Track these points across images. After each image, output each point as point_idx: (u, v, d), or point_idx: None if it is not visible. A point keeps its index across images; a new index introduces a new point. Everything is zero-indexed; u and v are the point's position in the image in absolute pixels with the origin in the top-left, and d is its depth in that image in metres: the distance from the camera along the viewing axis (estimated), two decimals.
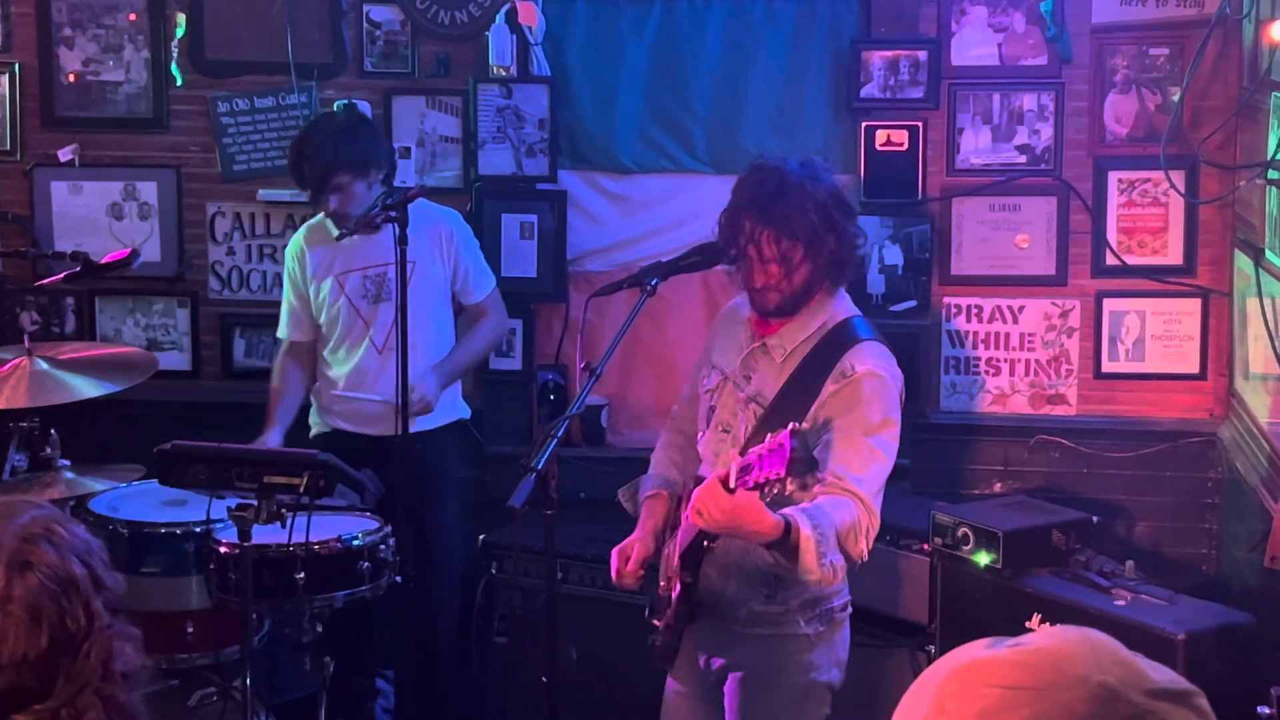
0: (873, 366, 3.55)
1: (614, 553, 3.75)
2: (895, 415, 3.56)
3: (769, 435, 3.11)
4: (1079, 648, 1.22)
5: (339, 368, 5.08)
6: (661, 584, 3.76)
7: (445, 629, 5.07)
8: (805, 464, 3.03)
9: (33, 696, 1.75)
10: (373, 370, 5.01)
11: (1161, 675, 1.21)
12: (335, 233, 4.81)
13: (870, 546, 3.45)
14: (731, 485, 3.14)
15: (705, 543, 3.55)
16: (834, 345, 3.59)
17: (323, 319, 5.10)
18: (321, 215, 5.05)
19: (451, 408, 5.19)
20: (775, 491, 3.08)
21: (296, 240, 5.20)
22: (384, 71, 5.79)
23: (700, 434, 3.78)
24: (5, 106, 5.90)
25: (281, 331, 5.22)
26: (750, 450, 3.15)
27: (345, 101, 5.69)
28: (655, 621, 3.77)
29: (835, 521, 3.32)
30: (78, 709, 1.78)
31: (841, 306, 3.69)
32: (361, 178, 4.91)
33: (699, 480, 3.50)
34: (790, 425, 3.07)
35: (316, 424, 5.17)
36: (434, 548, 5.00)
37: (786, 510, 3.25)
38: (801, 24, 5.60)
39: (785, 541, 3.24)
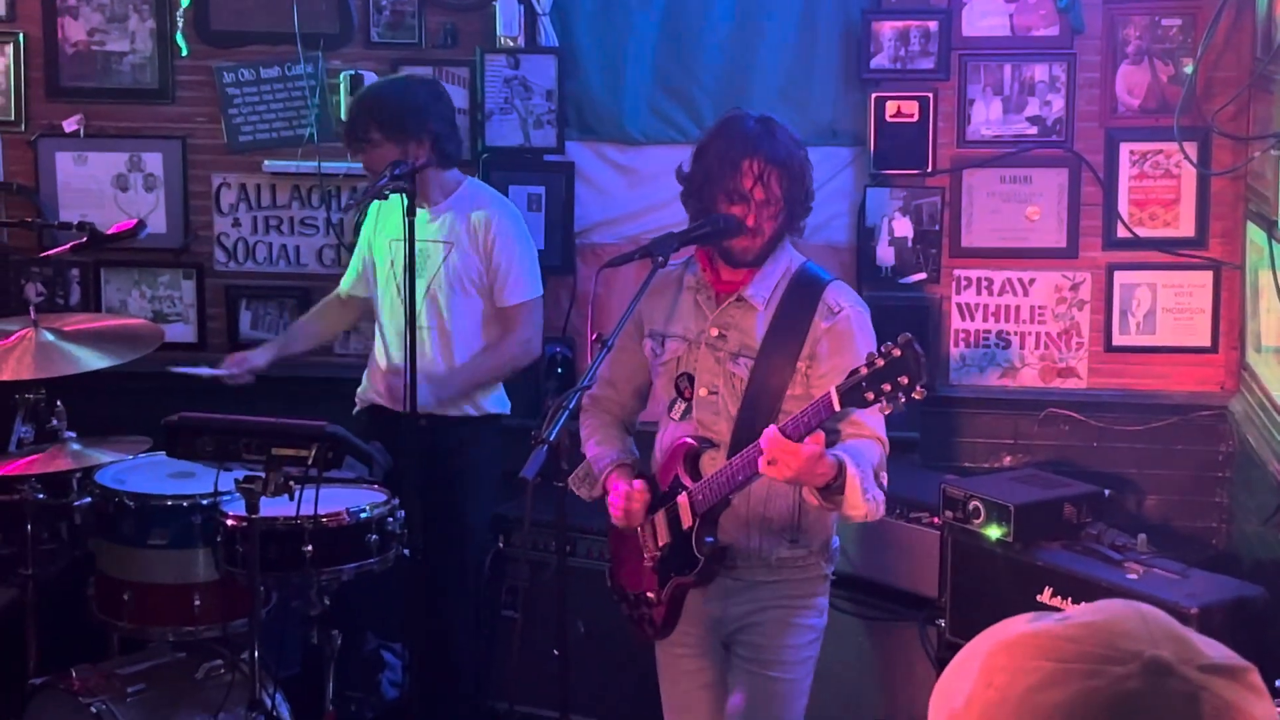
0: (853, 302, 3.71)
1: (615, 487, 3.74)
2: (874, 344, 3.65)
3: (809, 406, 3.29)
4: (1130, 622, 1.20)
5: (379, 340, 5.05)
6: (646, 556, 3.74)
7: (460, 612, 5.01)
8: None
9: None
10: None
11: (1215, 650, 1.19)
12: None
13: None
14: (792, 429, 3.28)
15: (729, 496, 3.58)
16: (806, 287, 3.70)
17: (371, 286, 5.08)
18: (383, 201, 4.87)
19: (490, 401, 5.05)
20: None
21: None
22: (391, 42, 5.76)
23: (670, 406, 3.78)
24: (9, 77, 5.88)
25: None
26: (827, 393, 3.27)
27: (352, 72, 5.65)
28: (649, 594, 3.76)
29: (871, 460, 3.47)
30: None
31: (794, 254, 3.80)
32: (396, 143, 4.79)
33: (697, 444, 3.61)
34: (829, 390, 3.24)
35: (360, 395, 5.12)
36: (460, 540, 4.96)
37: (832, 451, 3.36)
38: None
39: (834, 482, 3.36)
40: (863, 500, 3.38)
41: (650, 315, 3.85)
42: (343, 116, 5.63)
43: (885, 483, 3.53)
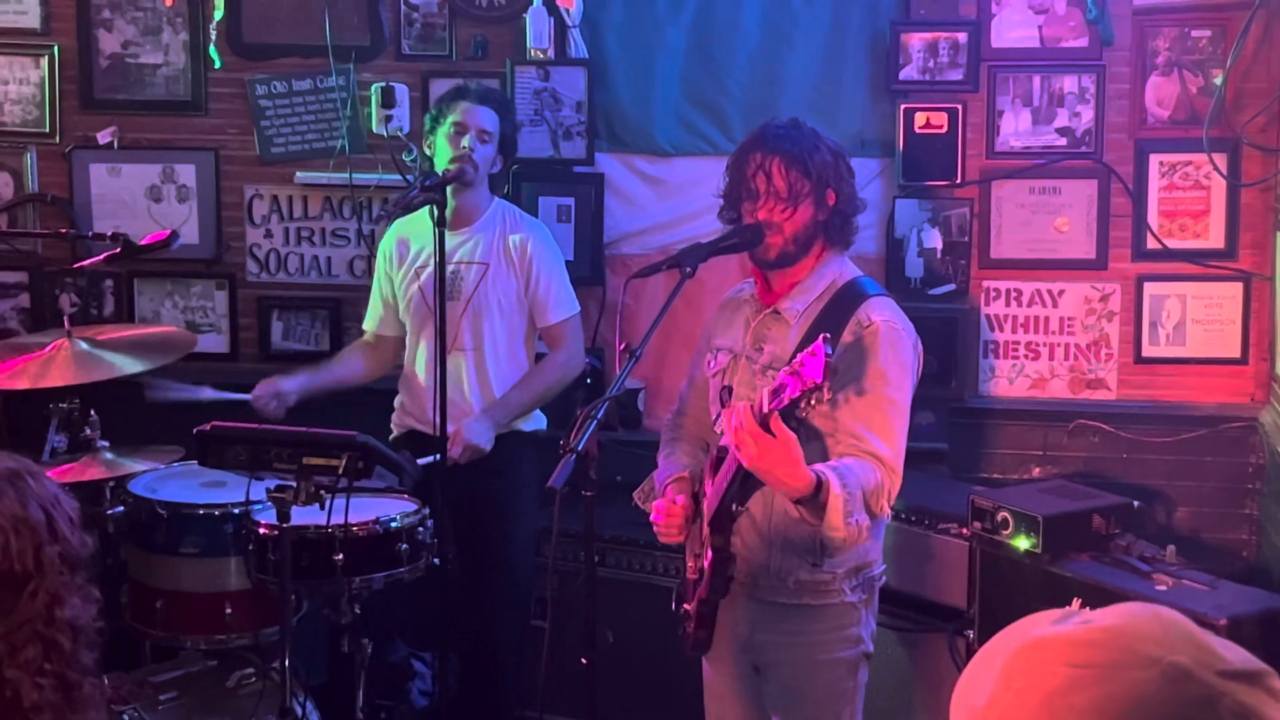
0: (889, 318, 3.56)
1: (655, 505, 3.68)
2: (912, 367, 3.57)
3: (798, 354, 3.12)
4: (1150, 625, 1.21)
5: (411, 365, 5.04)
6: (689, 564, 3.73)
7: (505, 627, 5.00)
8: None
9: None
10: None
11: (1234, 655, 1.20)
12: (429, 222, 4.58)
13: (892, 503, 3.47)
14: (766, 409, 3.13)
15: (734, 506, 3.50)
16: (846, 301, 3.60)
17: (401, 312, 5.07)
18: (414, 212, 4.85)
19: (528, 421, 5.06)
20: (813, 403, 3.08)
21: (391, 231, 5.13)
22: (422, 54, 5.79)
23: (715, 419, 3.74)
24: (44, 89, 5.93)
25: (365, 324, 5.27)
26: (780, 373, 3.14)
27: (383, 84, 5.68)
28: (686, 606, 3.72)
29: (862, 482, 3.33)
30: (14, 644, 1.83)
31: (847, 269, 3.70)
32: (492, 143, 4.88)
33: (718, 451, 3.52)
34: (821, 335, 3.09)
35: (396, 422, 5.11)
36: (504, 556, 4.95)
37: (818, 466, 3.27)
38: (840, 5, 5.58)
39: (814, 498, 3.25)
40: (843, 522, 3.26)
41: (711, 331, 3.86)
42: (374, 128, 5.67)
43: (883, 508, 3.42)
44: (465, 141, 4.81)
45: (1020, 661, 1.24)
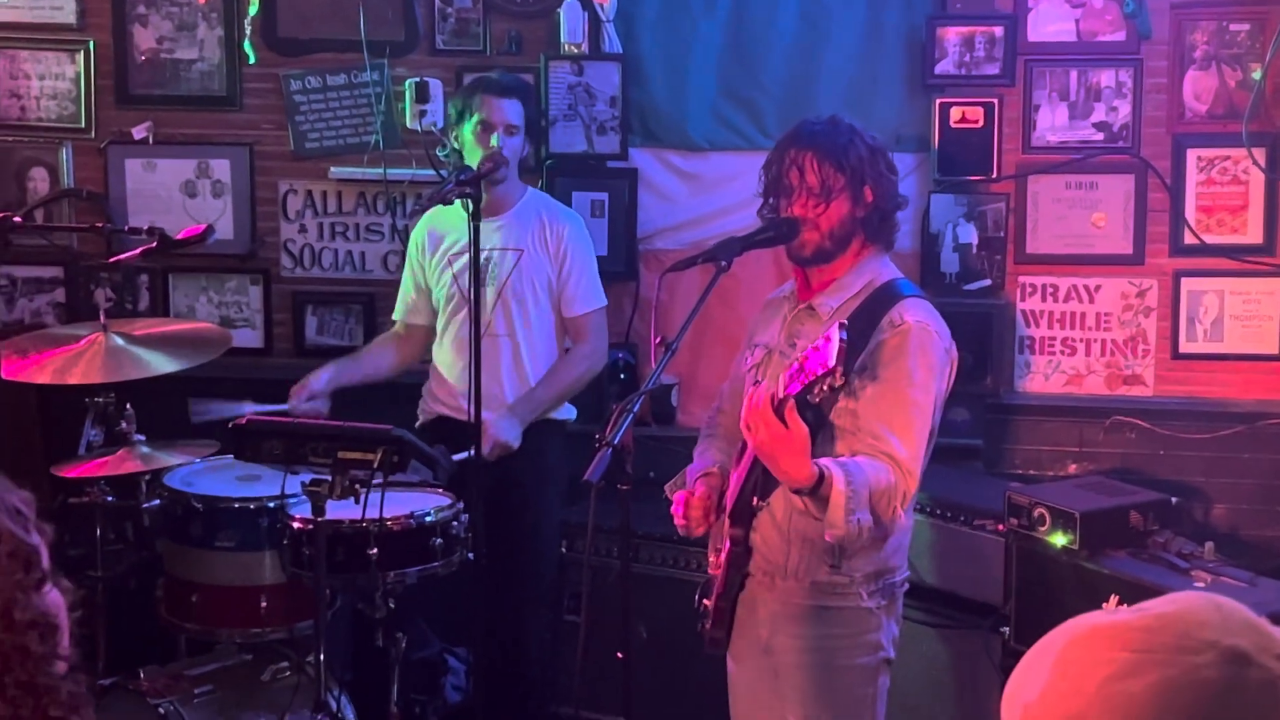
0: (922, 319, 3.52)
1: (676, 497, 3.67)
2: (941, 372, 3.53)
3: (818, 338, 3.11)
4: (1206, 612, 1.20)
5: (442, 356, 5.06)
6: (711, 559, 3.71)
7: (534, 618, 5.03)
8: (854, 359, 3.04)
9: None
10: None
11: None
12: (461, 210, 4.57)
13: (905, 508, 3.43)
14: (781, 394, 3.13)
15: (754, 499, 3.49)
16: (881, 301, 3.56)
17: (433, 300, 5.09)
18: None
19: (556, 409, 5.08)
20: (826, 389, 3.07)
21: (422, 221, 5.15)
22: (456, 49, 5.79)
23: None
24: (80, 84, 5.96)
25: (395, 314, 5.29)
26: (796, 359, 3.13)
27: (417, 79, 5.69)
28: (705, 602, 3.71)
29: (870, 481, 3.30)
30: None
31: (886, 269, 3.67)
32: (519, 134, 4.90)
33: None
34: (838, 322, 3.07)
35: (423, 409, 5.13)
36: (532, 547, 4.98)
37: (823, 460, 3.26)
38: (875, 0, 5.56)
39: (817, 491, 3.24)
40: (844, 520, 3.24)
41: (754, 329, 3.85)
42: (408, 123, 5.68)
43: (895, 511, 3.37)
44: (493, 140, 4.83)
45: (1074, 651, 1.22)
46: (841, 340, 2.99)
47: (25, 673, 1.81)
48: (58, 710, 1.85)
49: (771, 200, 3.67)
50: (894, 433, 3.41)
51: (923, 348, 3.49)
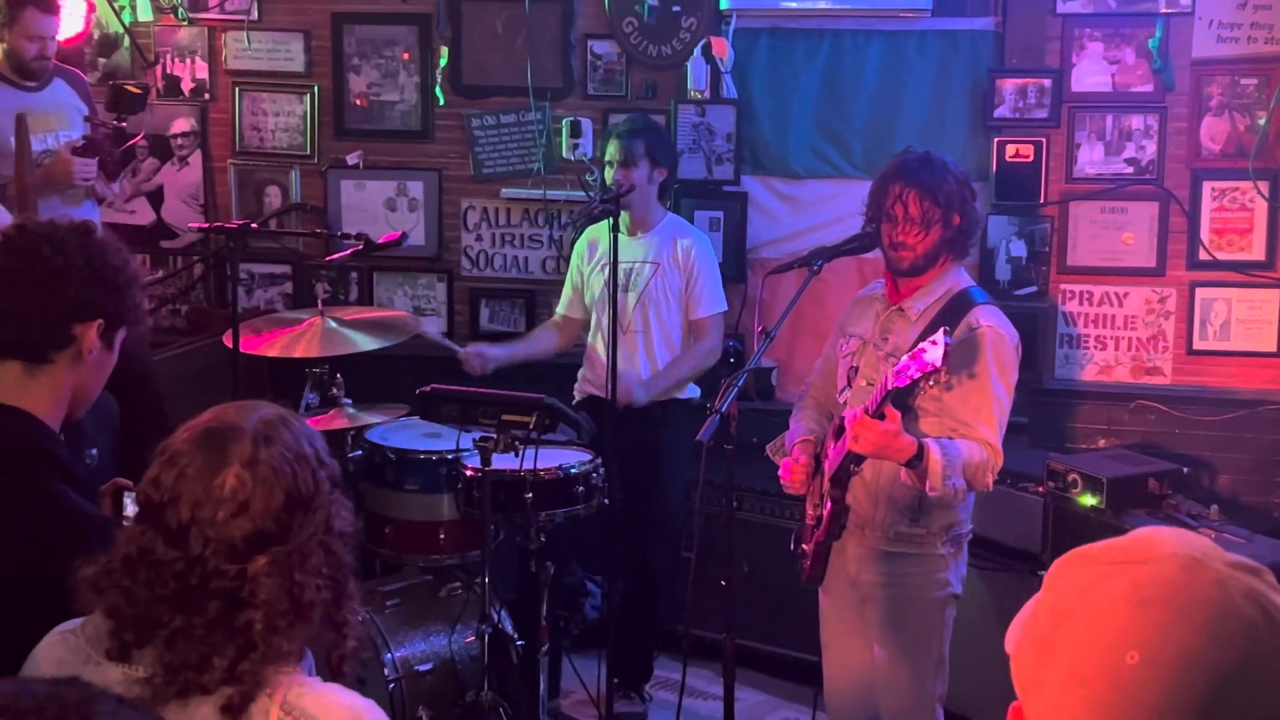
0: (995, 324, 3.49)
1: (783, 462, 3.65)
2: (1013, 365, 3.49)
3: (920, 342, 3.09)
4: (1167, 533, 1.22)
5: (597, 343, 5.03)
6: (809, 511, 3.69)
7: (659, 553, 5.02)
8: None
9: (272, 540, 1.82)
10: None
11: (1235, 555, 1.20)
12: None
13: (995, 478, 3.42)
14: (890, 386, 3.12)
15: (852, 466, 3.47)
16: (958, 306, 3.52)
17: (587, 299, 5.08)
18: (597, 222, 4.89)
19: (682, 390, 5.03)
20: (930, 384, 3.07)
21: (584, 234, 5.14)
22: (603, 94, 5.80)
23: (840, 392, 3.71)
24: (306, 120, 6.05)
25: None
26: (905, 357, 3.10)
27: (572, 118, 5.71)
28: (804, 546, 3.67)
29: (964, 454, 3.31)
30: (304, 553, 1.85)
31: (962, 278, 3.62)
32: (639, 167, 4.83)
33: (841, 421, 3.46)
34: (942, 328, 3.07)
35: (579, 388, 5.11)
36: (661, 499, 4.95)
37: (928, 438, 3.26)
38: (946, 56, 5.49)
39: (919, 460, 3.24)
40: (942, 482, 3.26)
41: (846, 319, 3.80)
42: (564, 154, 5.69)
43: (988, 481, 3.37)
44: (612, 176, 4.83)
45: (1059, 570, 1.24)
46: (947, 344, 3.00)
47: (331, 569, 1.90)
48: (343, 600, 1.94)
49: (874, 221, 3.61)
50: (980, 420, 3.40)
51: (997, 348, 3.45)
